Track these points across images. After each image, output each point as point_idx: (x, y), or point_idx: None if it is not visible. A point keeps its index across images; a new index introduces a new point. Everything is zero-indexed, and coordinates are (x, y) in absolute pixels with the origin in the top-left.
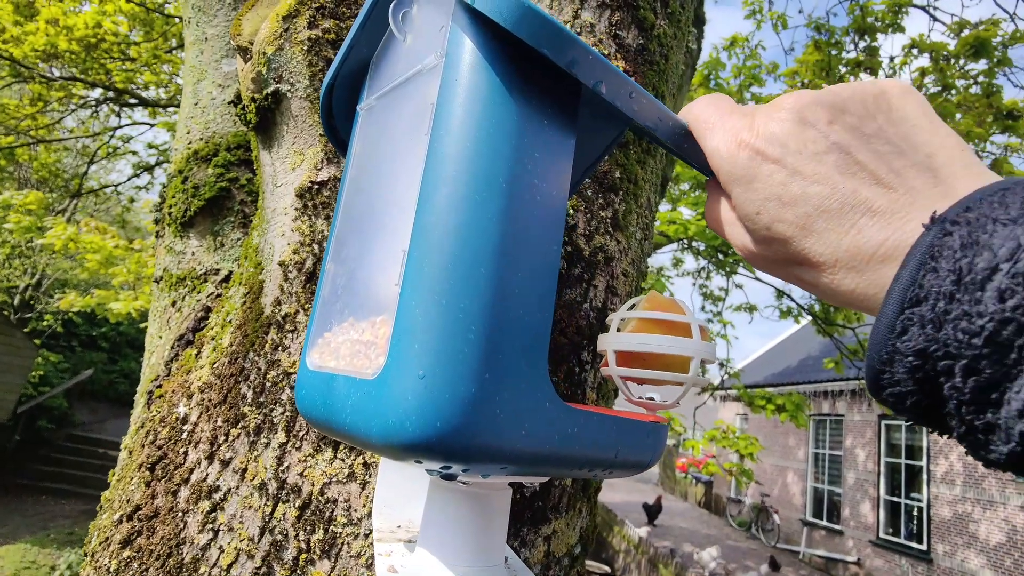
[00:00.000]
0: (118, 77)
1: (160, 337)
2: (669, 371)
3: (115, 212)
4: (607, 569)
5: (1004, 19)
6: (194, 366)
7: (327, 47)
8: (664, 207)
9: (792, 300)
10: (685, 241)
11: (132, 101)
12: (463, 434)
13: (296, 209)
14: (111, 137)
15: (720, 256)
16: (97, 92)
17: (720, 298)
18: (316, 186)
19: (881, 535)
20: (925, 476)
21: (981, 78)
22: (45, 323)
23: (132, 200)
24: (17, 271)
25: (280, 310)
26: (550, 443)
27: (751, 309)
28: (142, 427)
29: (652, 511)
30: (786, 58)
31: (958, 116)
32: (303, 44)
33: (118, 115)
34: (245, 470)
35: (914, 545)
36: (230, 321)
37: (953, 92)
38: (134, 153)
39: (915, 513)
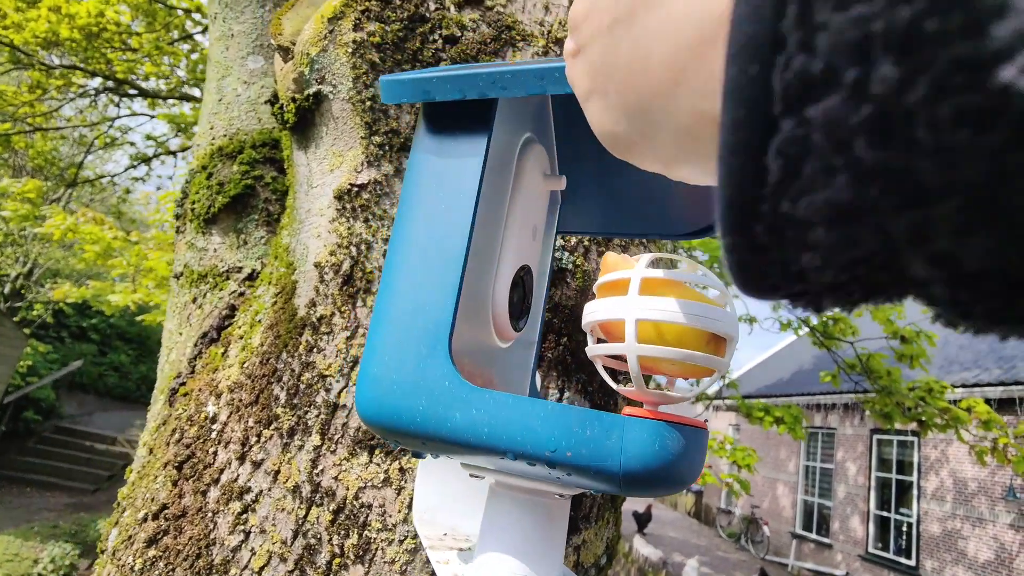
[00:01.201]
0: (119, 67)
1: (180, 334)
2: (693, 351)
3: (111, 203)
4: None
5: None
6: (221, 365)
7: (371, 50)
8: None
9: (790, 311)
10: (684, 252)
11: (132, 92)
12: (370, 408)
13: (335, 210)
14: (109, 127)
15: (719, 266)
16: (97, 81)
17: None
18: (356, 188)
19: (870, 550)
20: (915, 491)
21: None
22: (35, 313)
23: (128, 191)
24: (9, 259)
25: (315, 312)
26: (451, 422)
27: (751, 321)
28: (165, 424)
29: (642, 520)
30: None
31: None
32: (347, 46)
33: (117, 105)
34: (278, 472)
35: (903, 560)
36: (260, 321)
37: None
38: (132, 144)
39: (904, 528)
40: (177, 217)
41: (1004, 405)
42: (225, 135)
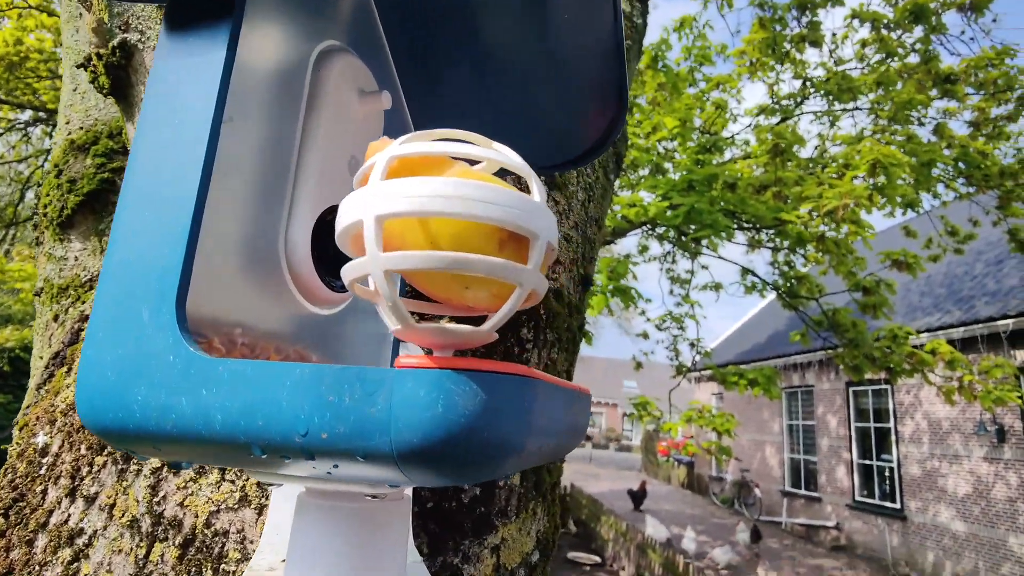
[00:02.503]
0: (46, 96)
1: (40, 358)
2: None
3: None
4: (598, 559)
5: None
6: (62, 386)
7: None
8: (624, 192)
9: (756, 276)
10: (649, 226)
11: None
12: (84, 405)
13: None
14: (45, 160)
15: (682, 237)
16: (27, 114)
17: (687, 280)
18: None
19: (857, 498)
20: (894, 437)
21: (918, 46)
22: None
23: (42, 179)
24: None
25: None
26: (175, 412)
27: (717, 287)
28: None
29: (637, 497)
30: (733, 39)
31: (899, 85)
32: None
33: (51, 136)
34: (113, 506)
35: (888, 504)
36: None
37: (895, 59)
38: None
39: (887, 474)
40: (35, 227)
41: (967, 345)
42: (81, 127)
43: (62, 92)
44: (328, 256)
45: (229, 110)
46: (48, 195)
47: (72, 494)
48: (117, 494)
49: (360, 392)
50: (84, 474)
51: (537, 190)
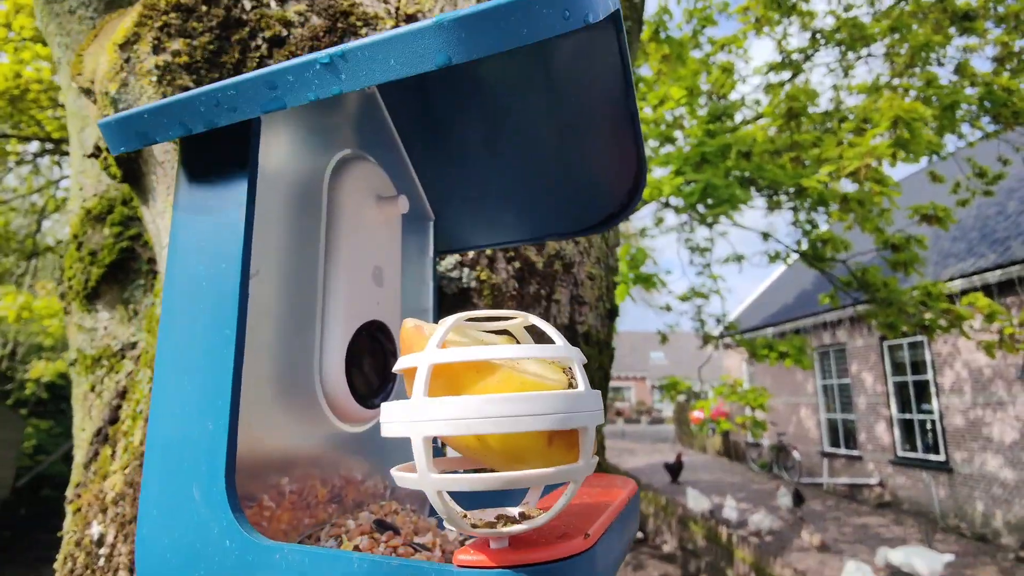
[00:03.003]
0: (50, 126)
1: (83, 430)
2: (515, 460)
3: None
4: (640, 535)
5: None
6: (109, 470)
7: (181, 73)
8: None
9: (778, 242)
10: (663, 200)
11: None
12: None
13: None
14: (56, 189)
15: (700, 210)
16: (34, 145)
17: (707, 249)
18: None
19: (899, 453)
20: (933, 389)
21: None
22: (28, 392)
23: (64, 248)
24: None
25: None
26: None
27: (739, 259)
28: (65, 547)
29: (674, 469)
30: None
31: (915, 27)
32: (151, 75)
33: (59, 165)
34: None
35: (932, 458)
36: (140, 412)
37: (907, 1)
38: None
39: (929, 427)
40: (62, 297)
41: (1004, 288)
42: (95, 194)
43: (71, 156)
44: (363, 373)
45: (255, 263)
46: (71, 267)
47: None
48: None
49: None
50: None
51: (580, 375)
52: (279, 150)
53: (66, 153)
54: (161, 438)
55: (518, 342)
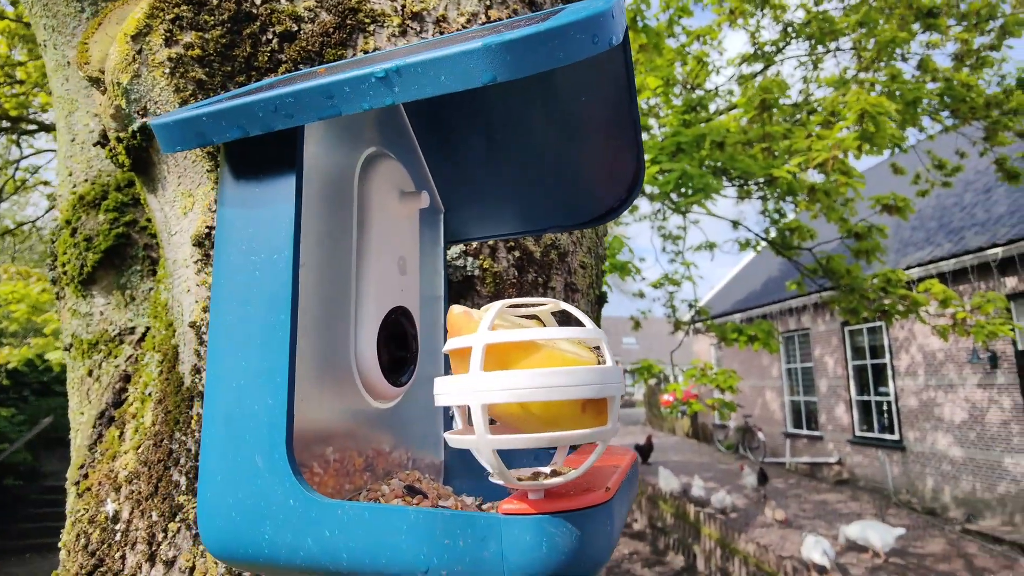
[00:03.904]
0: (8, 104)
1: (82, 413)
2: (553, 424)
3: (39, 250)
4: None
5: None
6: (118, 451)
7: (194, 66)
8: None
9: (748, 230)
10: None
11: (31, 127)
12: (212, 540)
13: (199, 259)
14: (16, 170)
15: (673, 198)
16: None
17: (679, 237)
18: (214, 231)
19: (857, 433)
20: (890, 372)
21: None
22: None
23: (54, 233)
24: None
25: (200, 379)
26: (304, 550)
27: (711, 247)
28: (74, 525)
29: (644, 451)
30: None
31: (881, 22)
32: (164, 67)
33: (18, 144)
34: (193, 568)
35: (887, 437)
36: (149, 395)
37: None
38: (46, 183)
39: (885, 408)
40: (54, 282)
41: (958, 276)
42: (86, 179)
43: (58, 142)
44: (392, 353)
45: (303, 256)
46: (65, 253)
47: (152, 559)
48: (195, 557)
49: (472, 536)
50: (160, 540)
51: (607, 352)
52: (315, 149)
53: (25, 132)
54: (222, 413)
55: (544, 325)
